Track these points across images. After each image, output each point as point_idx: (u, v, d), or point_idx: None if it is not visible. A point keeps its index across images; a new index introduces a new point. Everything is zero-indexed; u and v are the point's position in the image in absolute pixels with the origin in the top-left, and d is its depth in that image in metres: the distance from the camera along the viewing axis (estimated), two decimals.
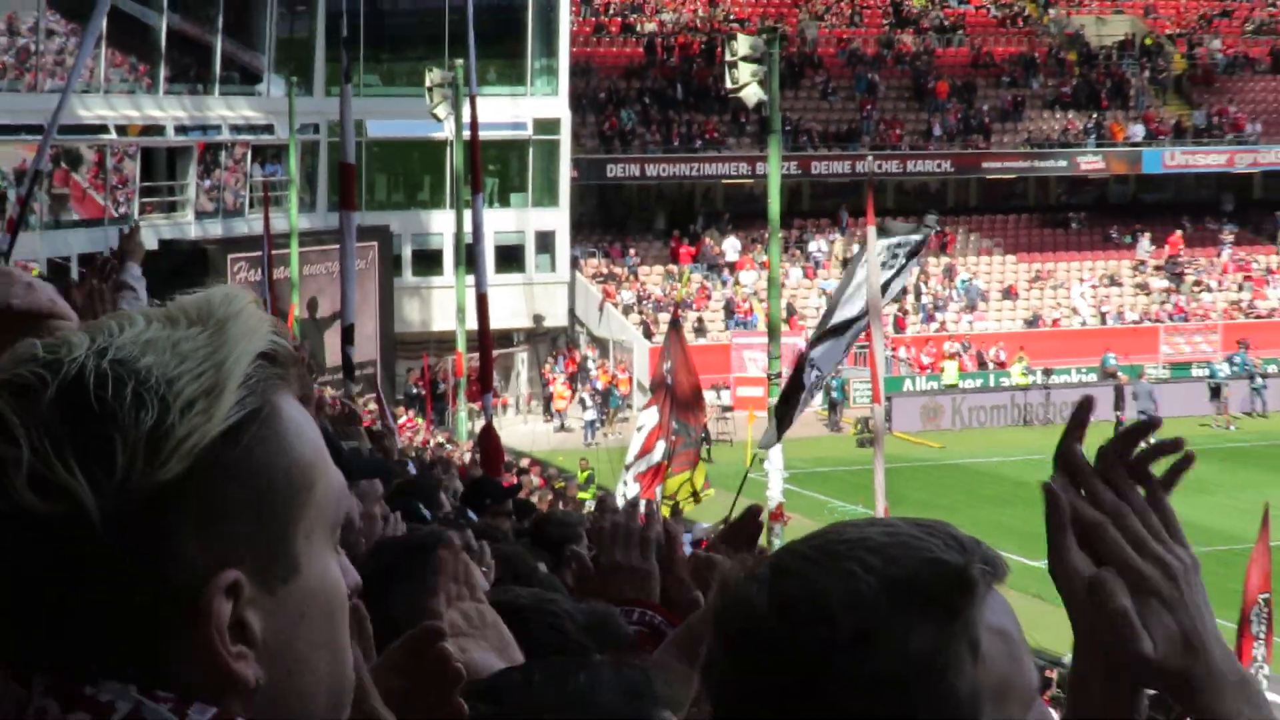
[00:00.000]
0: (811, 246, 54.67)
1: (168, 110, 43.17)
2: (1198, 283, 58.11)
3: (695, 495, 27.57)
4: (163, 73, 42.98)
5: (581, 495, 32.70)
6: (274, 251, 37.11)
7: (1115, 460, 2.00)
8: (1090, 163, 59.55)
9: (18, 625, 1.39)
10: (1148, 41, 64.14)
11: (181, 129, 43.68)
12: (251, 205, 44.01)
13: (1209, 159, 60.02)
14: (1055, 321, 60.36)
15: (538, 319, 47.73)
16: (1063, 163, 59.51)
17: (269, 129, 44.56)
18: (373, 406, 28.58)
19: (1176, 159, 59.42)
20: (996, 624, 1.68)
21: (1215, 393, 50.02)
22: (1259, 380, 51.35)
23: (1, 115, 33.67)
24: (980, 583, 1.66)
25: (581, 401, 46.78)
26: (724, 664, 1.73)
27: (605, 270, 51.47)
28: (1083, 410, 2.01)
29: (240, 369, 1.38)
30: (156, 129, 43.11)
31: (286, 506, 1.42)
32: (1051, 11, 65.81)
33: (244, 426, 1.36)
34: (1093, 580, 1.90)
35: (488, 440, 21.20)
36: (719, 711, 1.77)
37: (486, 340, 25.93)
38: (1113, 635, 1.90)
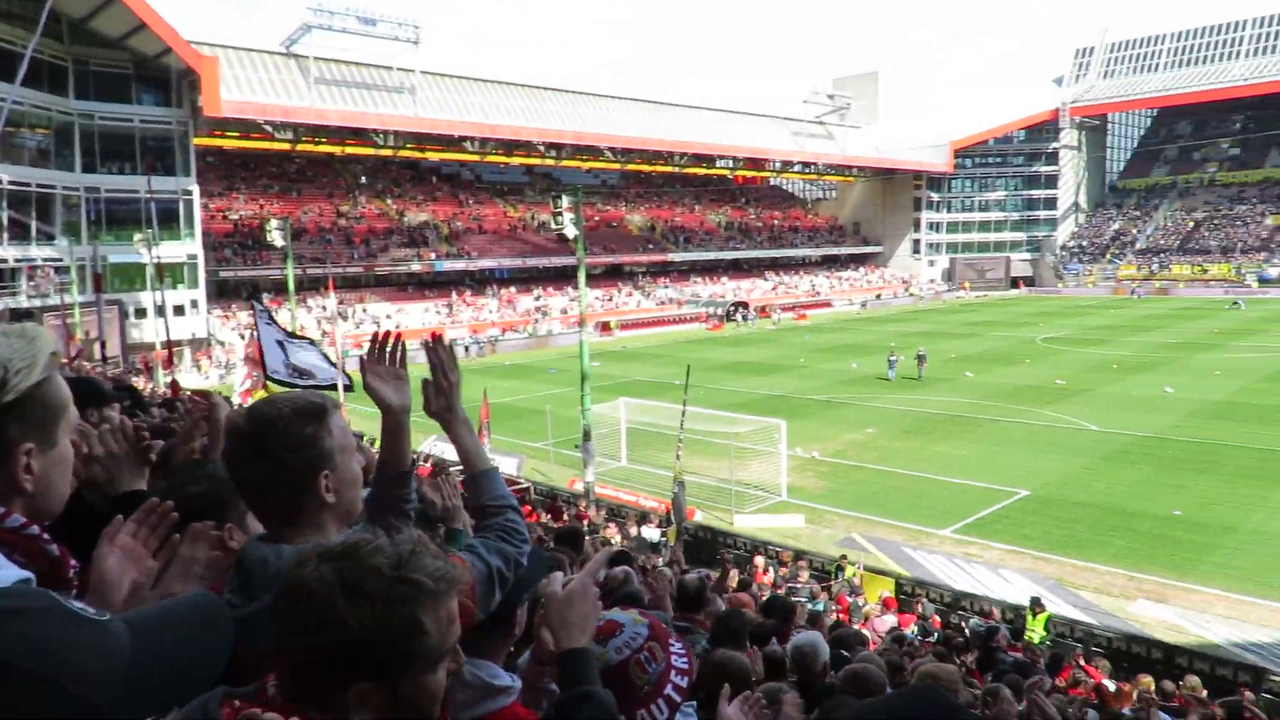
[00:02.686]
0: (311, 303, 52.71)
1: (10, 252, 37.46)
2: (470, 303, 58.00)
3: None
4: (5, 235, 37.65)
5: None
6: (66, 312, 34.12)
7: (376, 357, 2.04)
8: (425, 266, 58.52)
9: None
10: (435, 225, 63.26)
11: (17, 260, 38.35)
12: (53, 292, 39.30)
13: (458, 264, 59.45)
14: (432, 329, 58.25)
15: (194, 336, 45.25)
16: (415, 265, 58.33)
17: (62, 260, 39.31)
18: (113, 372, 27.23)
19: (448, 265, 58.62)
20: (340, 424, 1.74)
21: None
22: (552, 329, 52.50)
23: None
24: (330, 409, 1.74)
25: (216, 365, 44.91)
26: (231, 453, 1.74)
27: (219, 314, 48.80)
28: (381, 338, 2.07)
29: (44, 356, 1.33)
30: (6, 259, 37.92)
31: (56, 417, 1.39)
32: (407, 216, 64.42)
33: (40, 383, 1.35)
34: (388, 394, 1.99)
35: (173, 385, 19.54)
36: (239, 486, 1.77)
37: (170, 343, 25.31)
38: (426, 407, 2.00)
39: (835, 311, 70.69)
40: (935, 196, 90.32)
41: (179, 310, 43.57)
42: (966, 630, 10.88)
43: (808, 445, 23.89)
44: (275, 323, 12.18)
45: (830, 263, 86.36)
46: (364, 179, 65.18)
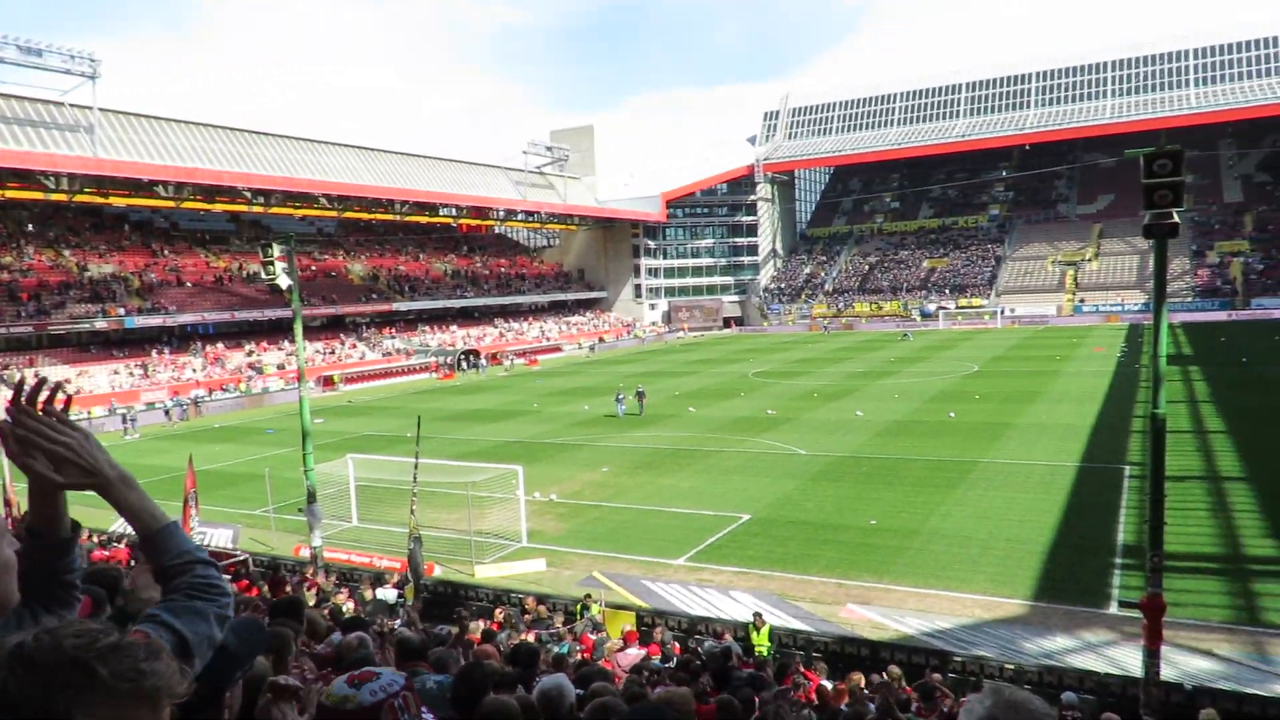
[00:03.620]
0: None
1: None
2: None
3: None
4: None
5: None
6: None
7: (26, 408, 1.70)
8: (113, 323, 52.09)
9: None
10: (125, 278, 56.74)
11: None
12: None
13: (154, 320, 53.32)
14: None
15: None
16: (100, 323, 51.94)
17: None
18: None
19: (142, 321, 51.99)
20: None
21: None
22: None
23: None
24: None
25: None
26: None
27: None
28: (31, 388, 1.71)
29: None
30: None
31: None
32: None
33: None
34: (27, 464, 1.63)
35: None
36: None
37: None
38: (47, 480, 1.61)
39: (565, 355, 72.19)
40: (652, 244, 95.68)
41: None
42: (702, 653, 11.36)
43: (545, 489, 24.02)
44: None
45: (558, 308, 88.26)
46: (30, 226, 57.06)
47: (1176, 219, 10.26)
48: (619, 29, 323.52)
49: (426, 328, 71.36)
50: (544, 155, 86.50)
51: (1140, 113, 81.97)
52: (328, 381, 54.69)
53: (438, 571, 17.93)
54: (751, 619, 13.06)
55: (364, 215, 71.51)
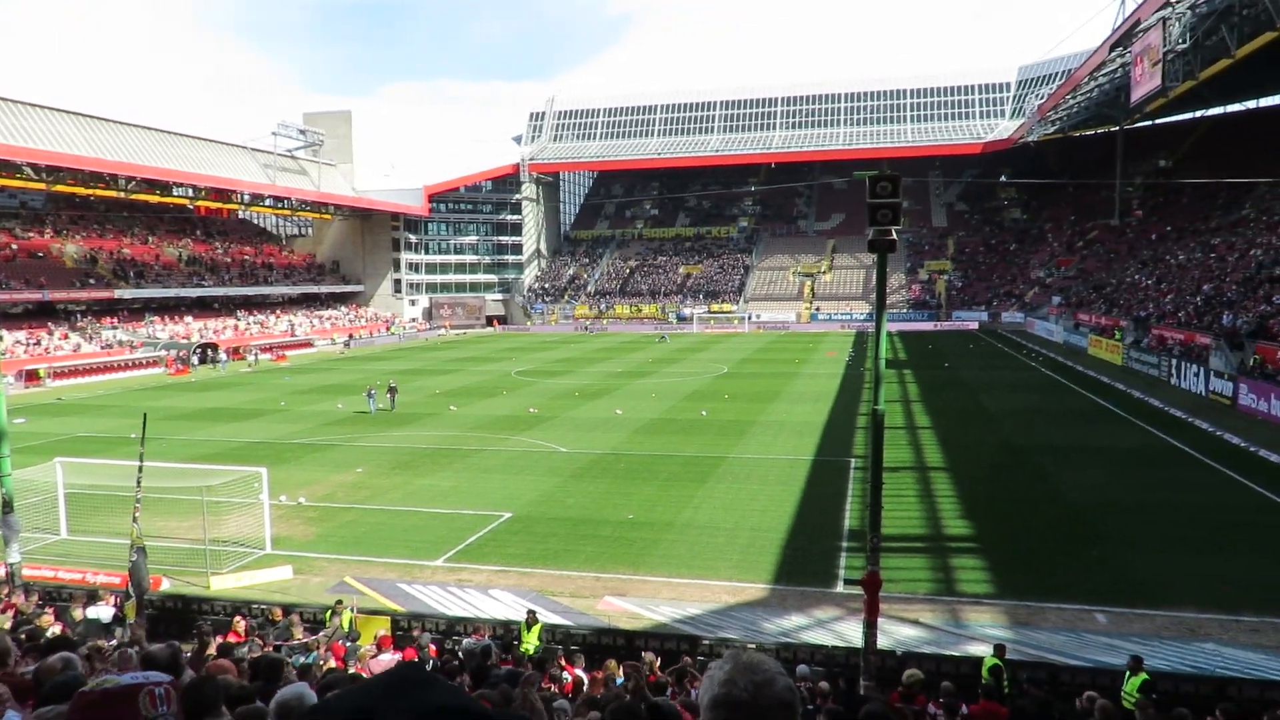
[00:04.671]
0: None
1: None
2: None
3: None
4: None
5: None
6: None
7: None
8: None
9: None
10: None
11: None
12: None
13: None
14: None
15: None
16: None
17: None
18: None
19: None
20: None
21: None
22: None
23: None
24: None
25: None
26: None
27: None
28: None
29: None
30: None
31: None
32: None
33: None
34: None
35: None
36: None
37: None
38: None
39: (317, 351, 68.24)
40: (413, 238, 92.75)
41: None
42: (461, 652, 11.16)
43: (294, 492, 22.61)
44: None
45: (309, 301, 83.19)
46: None
47: (895, 236, 11.47)
48: (378, 10, 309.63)
49: (156, 318, 64.57)
50: (296, 138, 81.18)
51: (867, 141, 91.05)
52: (31, 376, 47.99)
53: (166, 585, 16.29)
54: (525, 617, 13.01)
55: (80, 190, 63.43)
